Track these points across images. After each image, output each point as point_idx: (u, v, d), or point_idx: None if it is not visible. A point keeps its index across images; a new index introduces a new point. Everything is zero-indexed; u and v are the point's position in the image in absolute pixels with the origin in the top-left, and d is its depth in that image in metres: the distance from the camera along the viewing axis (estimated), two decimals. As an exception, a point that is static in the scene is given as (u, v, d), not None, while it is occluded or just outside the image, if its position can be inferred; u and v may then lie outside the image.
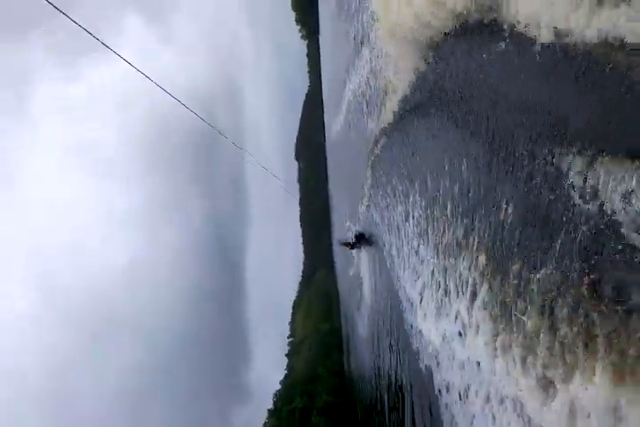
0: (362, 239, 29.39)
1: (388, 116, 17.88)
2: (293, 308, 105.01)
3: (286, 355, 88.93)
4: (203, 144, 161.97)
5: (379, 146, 20.63)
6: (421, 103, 13.18)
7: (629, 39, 4.47)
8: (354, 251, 33.30)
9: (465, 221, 9.47)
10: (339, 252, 56.28)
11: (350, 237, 32.22)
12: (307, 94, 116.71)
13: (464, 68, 9.54)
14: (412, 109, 14.49)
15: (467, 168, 9.46)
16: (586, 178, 5.18)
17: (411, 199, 14.86)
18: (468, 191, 9.30)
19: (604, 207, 4.86)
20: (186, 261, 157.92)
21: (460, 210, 9.85)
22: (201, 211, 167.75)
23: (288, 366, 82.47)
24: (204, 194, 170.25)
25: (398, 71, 15.45)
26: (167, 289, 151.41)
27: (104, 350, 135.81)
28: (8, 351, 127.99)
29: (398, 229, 16.97)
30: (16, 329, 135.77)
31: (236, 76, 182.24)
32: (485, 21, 7.95)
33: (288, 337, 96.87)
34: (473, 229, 8.86)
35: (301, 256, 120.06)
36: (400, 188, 16.64)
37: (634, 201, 4.46)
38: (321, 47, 78.04)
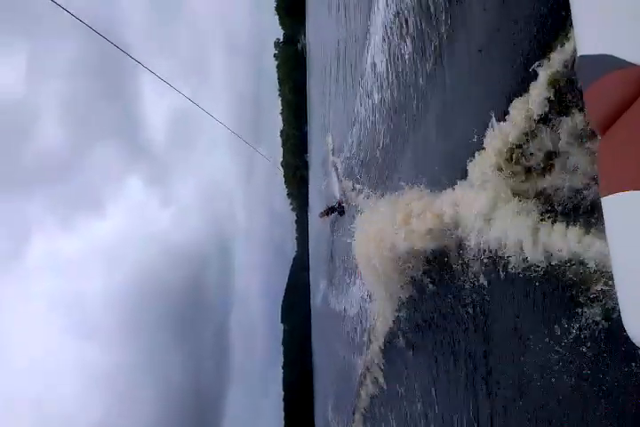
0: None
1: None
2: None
3: None
4: (187, 304, 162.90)
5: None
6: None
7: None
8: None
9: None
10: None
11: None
12: (294, 259, 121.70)
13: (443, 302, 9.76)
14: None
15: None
16: None
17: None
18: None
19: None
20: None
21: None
22: (180, 370, 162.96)
23: None
24: (185, 353, 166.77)
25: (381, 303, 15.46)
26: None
27: None
28: None
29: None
30: None
31: (228, 239, 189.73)
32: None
33: None
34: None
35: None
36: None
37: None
38: (309, 219, 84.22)
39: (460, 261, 8.22)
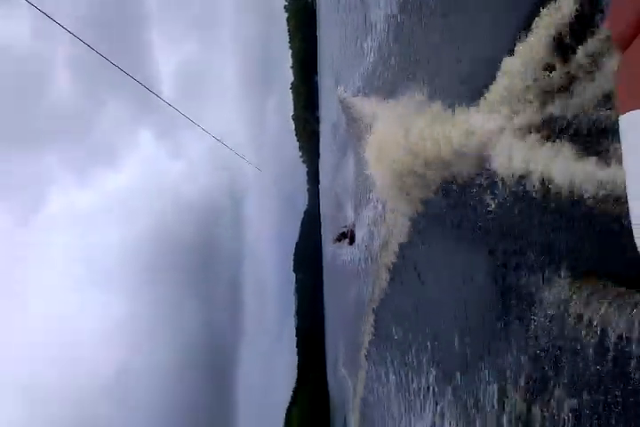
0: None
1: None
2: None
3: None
4: (202, 255, 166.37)
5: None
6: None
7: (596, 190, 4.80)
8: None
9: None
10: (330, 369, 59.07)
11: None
12: (305, 211, 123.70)
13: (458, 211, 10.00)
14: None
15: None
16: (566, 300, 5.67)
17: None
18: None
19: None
20: (176, 372, 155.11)
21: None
22: (195, 320, 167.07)
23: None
24: (199, 303, 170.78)
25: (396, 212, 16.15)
26: (154, 402, 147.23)
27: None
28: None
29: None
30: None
31: (239, 190, 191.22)
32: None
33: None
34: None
35: (295, 369, 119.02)
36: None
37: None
38: (320, 171, 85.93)
39: (471, 178, 8.28)
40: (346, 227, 31.02)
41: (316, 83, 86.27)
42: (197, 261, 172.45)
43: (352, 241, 29.26)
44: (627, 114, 2.44)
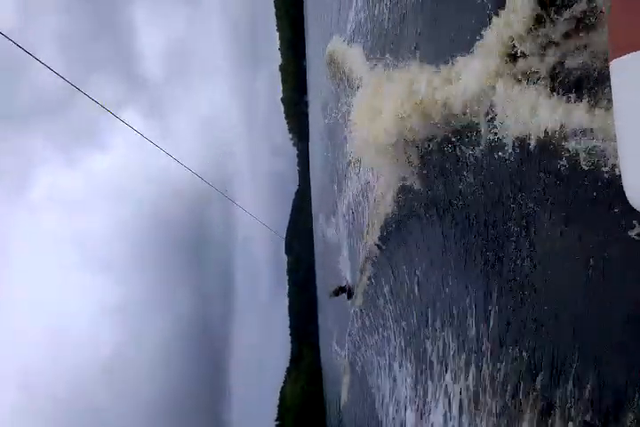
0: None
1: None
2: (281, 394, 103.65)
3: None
4: (192, 237, 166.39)
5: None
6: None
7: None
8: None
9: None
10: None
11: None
12: (296, 192, 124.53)
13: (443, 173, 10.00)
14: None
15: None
16: None
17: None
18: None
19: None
20: (168, 358, 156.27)
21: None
22: (188, 305, 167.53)
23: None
24: (192, 287, 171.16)
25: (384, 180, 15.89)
26: (148, 385, 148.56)
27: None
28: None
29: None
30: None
31: (228, 173, 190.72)
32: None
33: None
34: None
35: (288, 346, 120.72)
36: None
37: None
38: (310, 153, 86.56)
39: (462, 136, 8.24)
40: (345, 284, 31.93)
41: (305, 65, 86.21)
42: (189, 243, 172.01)
43: (350, 296, 30.00)
44: (615, 60, 2.51)
